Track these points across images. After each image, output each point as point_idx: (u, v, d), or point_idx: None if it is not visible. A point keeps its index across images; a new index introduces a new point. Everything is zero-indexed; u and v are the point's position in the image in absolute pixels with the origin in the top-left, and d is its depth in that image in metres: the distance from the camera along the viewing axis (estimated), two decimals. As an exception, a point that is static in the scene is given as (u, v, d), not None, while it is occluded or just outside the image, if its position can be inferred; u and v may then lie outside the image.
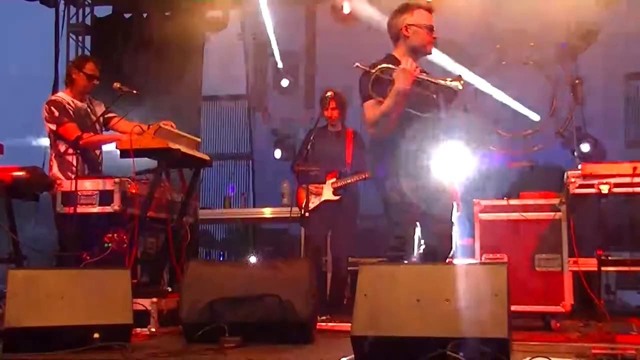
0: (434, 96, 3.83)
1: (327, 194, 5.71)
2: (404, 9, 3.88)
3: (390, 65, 3.75)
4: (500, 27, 9.00)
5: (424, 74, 3.79)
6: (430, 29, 3.89)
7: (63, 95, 5.06)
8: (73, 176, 4.64)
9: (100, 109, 5.11)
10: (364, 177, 5.67)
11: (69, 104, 4.98)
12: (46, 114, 4.93)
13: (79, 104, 5.03)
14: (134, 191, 4.58)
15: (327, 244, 6.00)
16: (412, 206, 3.74)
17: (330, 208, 5.72)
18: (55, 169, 4.89)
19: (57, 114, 4.89)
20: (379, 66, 3.75)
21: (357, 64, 3.77)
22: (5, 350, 3.46)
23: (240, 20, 10.50)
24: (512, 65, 9.07)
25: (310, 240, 5.68)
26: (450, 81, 3.75)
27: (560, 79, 8.78)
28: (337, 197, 5.70)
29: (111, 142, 4.80)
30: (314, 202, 5.66)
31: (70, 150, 4.82)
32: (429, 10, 3.91)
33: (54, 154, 4.94)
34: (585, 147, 8.82)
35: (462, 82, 3.72)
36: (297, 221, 5.71)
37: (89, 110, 5.07)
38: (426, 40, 3.88)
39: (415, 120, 3.77)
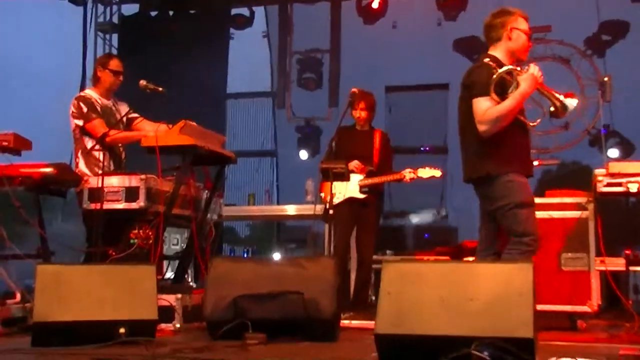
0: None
1: (353, 191, 5.69)
2: (508, 12, 3.92)
3: (517, 68, 3.76)
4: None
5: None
6: (530, 36, 3.93)
7: (91, 92, 5.11)
8: (99, 172, 4.69)
9: (124, 108, 5.14)
10: (394, 178, 5.71)
11: (96, 101, 5.03)
12: (74, 110, 4.96)
13: (105, 101, 5.08)
14: (159, 188, 4.61)
15: (350, 242, 5.98)
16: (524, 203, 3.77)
17: (355, 205, 5.70)
18: (81, 165, 4.93)
19: (85, 110, 4.93)
20: (507, 67, 3.73)
21: (486, 59, 3.79)
22: (33, 344, 3.51)
23: (265, 18, 10.54)
24: (539, 61, 8.99)
25: (334, 237, 5.66)
26: (565, 97, 3.74)
27: (589, 76, 8.67)
28: (363, 195, 5.67)
29: (138, 139, 4.84)
30: (338, 197, 5.63)
31: (97, 147, 4.86)
32: (527, 18, 3.94)
33: (79, 150, 4.97)
34: (613, 153, 8.69)
35: (576, 100, 3.74)
36: (320, 218, 5.70)
37: (113, 109, 5.12)
38: (525, 46, 3.92)
39: (523, 126, 3.83)
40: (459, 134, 4.01)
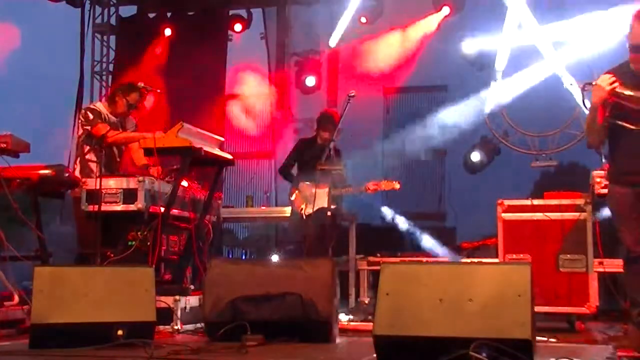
0: None
1: (323, 201, 5.74)
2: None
3: (591, 82, 3.73)
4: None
5: (628, 90, 3.67)
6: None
7: (100, 106, 5.27)
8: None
9: (130, 123, 5.31)
10: (359, 190, 6.18)
11: (105, 115, 5.19)
12: (82, 119, 5.15)
13: (112, 118, 5.24)
14: (157, 189, 4.62)
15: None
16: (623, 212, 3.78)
17: (323, 214, 5.80)
18: (77, 172, 5.03)
19: (91, 117, 5.10)
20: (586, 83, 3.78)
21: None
22: (31, 346, 3.51)
23: (262, 20, 10.53)
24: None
25: (309, 243, 5.76)
26: None
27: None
28: (334, 206, 5.78)
29: (137, 140, 4.90)
30: (309, 208, 5.86)
31: (94, 157, 4.99)
32: None
33: (78, 159, 5.09)
34: None
35: None
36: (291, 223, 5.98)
37: (119, 125, 5.26)
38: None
39: (627, 133, 3.72)
40: None
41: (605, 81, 3.67)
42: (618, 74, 3.71)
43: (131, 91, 5.24)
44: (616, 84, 3.63)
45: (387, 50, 9.11)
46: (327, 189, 5.80)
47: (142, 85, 4.81)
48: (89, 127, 5.06)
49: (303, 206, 6.03)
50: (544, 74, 8.76)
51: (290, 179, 6.39)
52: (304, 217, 5.96)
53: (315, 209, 5.82)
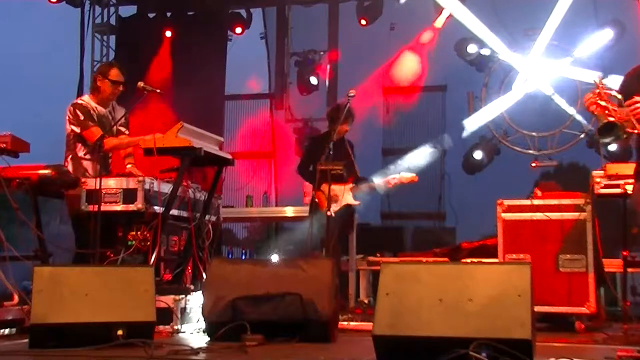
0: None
1: (348, 197, 5.81)
2: None
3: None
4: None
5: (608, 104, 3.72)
6: None
7: (88, 100, 5.11)
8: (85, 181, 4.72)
9: (121, 114, 5.17)
10: (379, 186, 6.13)
11: (93, 109, 5.06)
12: (70, 116, 4.99)
13: (102, 110, 5.10)
14: (157, 189, 4.62)
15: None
16: None
17: (349, 210, 5.83)
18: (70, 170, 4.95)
19: (82, 117, 4.96)
20: None
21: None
22: (31, 346, 3.51)
23: (262, 20, 10.55)
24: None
25: (328, 240, 5.73)
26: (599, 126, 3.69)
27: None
28: (357, 202, 5.82)
29: (135, 144, 4.87)
30: (336, 205, 5.78)
31: (88, 156, 4.93)
32: None
33: (70, 156, 5.00)
34: (612, 145, 8.68)
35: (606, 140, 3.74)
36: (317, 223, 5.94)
37: (110, 117, 5.15)
38: None
39: None
40: None
41: (602, 86, 3.73)
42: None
43: (109, 68, 5.15)
44: (603, 92, 3.69)
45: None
46: (350, 185, 5.86)
47: (142, 85, 4.77)
48: (78, 129, 4.94)
49: (333, 206, 5.73)
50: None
51: (310, 180, 6.24)
52: (332, 215, 5.84)
53: (341, 206, 5.82)
